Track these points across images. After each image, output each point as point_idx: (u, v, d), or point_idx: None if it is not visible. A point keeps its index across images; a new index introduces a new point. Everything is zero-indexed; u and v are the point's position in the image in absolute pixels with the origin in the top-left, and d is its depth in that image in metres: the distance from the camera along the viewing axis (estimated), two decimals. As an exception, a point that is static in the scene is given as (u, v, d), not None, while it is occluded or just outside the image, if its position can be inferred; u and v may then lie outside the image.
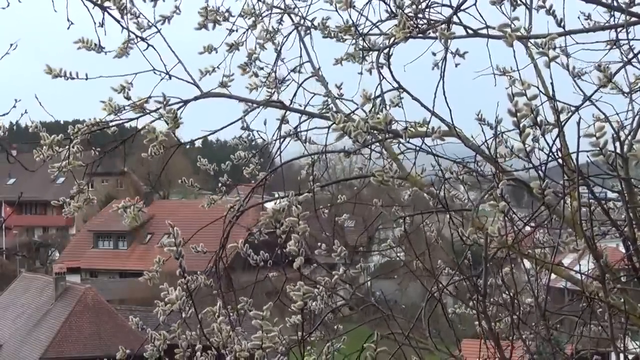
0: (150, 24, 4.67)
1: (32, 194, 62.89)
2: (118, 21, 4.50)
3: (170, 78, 4.52)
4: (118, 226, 57.86)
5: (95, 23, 4.52)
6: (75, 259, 55.36)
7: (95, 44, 4.50)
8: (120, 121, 4.37)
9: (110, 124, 4.36)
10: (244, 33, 5.22)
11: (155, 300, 3.79)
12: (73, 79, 4.44)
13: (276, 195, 5.11)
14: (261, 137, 5.35)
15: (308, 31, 5.18)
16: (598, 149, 3.24)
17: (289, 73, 5.26)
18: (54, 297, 44.50)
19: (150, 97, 4.30)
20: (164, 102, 4.19)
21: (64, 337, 41.55)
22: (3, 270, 59.59)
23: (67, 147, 4.27)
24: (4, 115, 4.62)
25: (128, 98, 4.32)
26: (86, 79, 4.44)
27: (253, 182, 5.25)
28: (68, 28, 4.56)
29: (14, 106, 4.55)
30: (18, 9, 4.91)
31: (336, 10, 4.73)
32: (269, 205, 3.67)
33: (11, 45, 4.67)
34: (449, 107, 3.97)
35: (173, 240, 3.31)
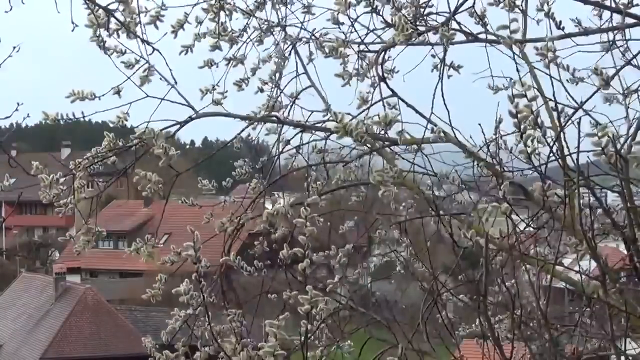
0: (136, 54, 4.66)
1: (32, 194, 62.62)
2: (123, 24, 4.50)
3: (173, 94, 4.54)
4: (118, 226, 57.83)
5: (98, 24, 4.51)
6: (75, 259, 55.23)
7: (89, 93, 4.52)
8: (120, 149, 4.41)
9: (110, 155, 4.40)
10: (238, 48, 5.22)
11: (154, 307, 3.80)
12: (70, 120, 4.51)
13: (278, 199, 5.12)
14: (257, 154, 5.37)
15: (305, 42, 5.19)
16: (600, 148, 3.25)
17: (281, 91, 5.28)
18: (54, 297, 44.48)
19: (148, 124, 4.33)
20: (154, 137, 4.22)
21: (64, 337, 41.53)
22: (3, 270, 59.56)
23: (72, 181, 4.33)
24: (6, 118, 4.64)
25: (124, 127, 4.37)
26: (83, 117, 4.52)
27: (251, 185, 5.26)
28: (72, 30, 4.56)
29: (17, 109, 4.56)
30: (23, 11, 4.92)
31: (338, 27, 4.76)
32: (265, 211, 3.67)
33: (14, 48, 4.67)
34: (448, 112, 3.98)
35: (192, 245, 3.34)
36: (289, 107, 5.17)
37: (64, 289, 44.82)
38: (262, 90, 5.27)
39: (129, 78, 4.59)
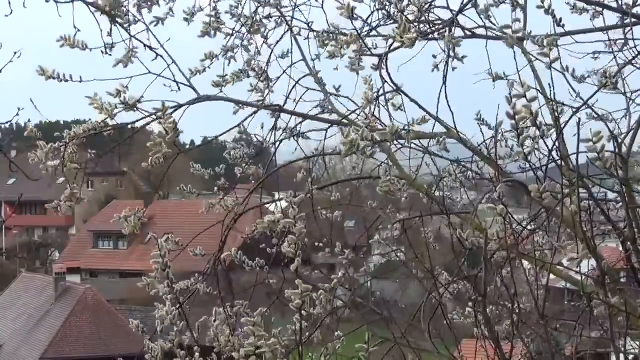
0: (136, 21, 4.68)
1: (32, 194, 62.83)
2: (123, 27, 4.51)
3: (175, 83, 4.54)
4: (118, 226, 57.76)
5: (101, 30, 4.54)
6: (75, 259, 55.28)
7: (81, 42, 4.51)
8: (118, 124, 4.38)
9: (107, 128, 4.36)
10: (232, 35, 5.21)
11: (155, 302, 3.80)
12: (67, 81, 4.43)
13: (276, 196, 5.11)
14: (259, 140, 5.35)
15: (306, 35, 5.18)
16: (596, 153, 3.23)
17: (284, 72, 5.25)
18: (54, 297, 44.47)
19: (142, 97, 4.30)
20: (163, 110, 4.19)
21: (64, 337, 41.52)
22: (3, 270, 59.54)
23: (62, 150, 4.27)
24: (7, 123, 4.64)
25: (124, 102, 4.32)
26: (80, 81, 4.44)
27: (253, 182, 5.25)
28: (74, 35, 4.56)
29: (17, 114, 4.55)
30: (24, 14, 4.92)
31: (322, 8, 4.75)
32: (269, 213, 3.64)
33: (15, 53, 4.66)
34: (451, 110, 3.98)
35: (159, 253, 3.29)
36: (287, 93, 5.15)
37: (64, 289, 44.81)
38: (257, 78, 5.25)
39: (123, 41, 4.59)
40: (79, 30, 4.64)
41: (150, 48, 4.65)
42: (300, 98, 5.11)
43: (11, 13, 4.66)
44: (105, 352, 39.92)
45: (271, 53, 5.29)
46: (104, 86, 4.54)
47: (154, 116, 4.23)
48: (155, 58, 4.64)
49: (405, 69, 4.57)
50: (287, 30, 5.25)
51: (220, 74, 5.13)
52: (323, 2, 4.87)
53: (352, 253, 5.07)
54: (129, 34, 4.64)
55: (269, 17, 5.25)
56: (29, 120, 4.70)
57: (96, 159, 4.76)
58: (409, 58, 4.52)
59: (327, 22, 4.86)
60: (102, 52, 4.68)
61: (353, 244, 6.62)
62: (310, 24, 5.14)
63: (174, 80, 4.58)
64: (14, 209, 63.41)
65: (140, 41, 4.64)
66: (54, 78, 4.42)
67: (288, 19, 5.22)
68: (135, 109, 4.26)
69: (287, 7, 5.25)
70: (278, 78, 5.28)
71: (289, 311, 3.27)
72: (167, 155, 4.25)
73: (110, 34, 4.62)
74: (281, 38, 5.27)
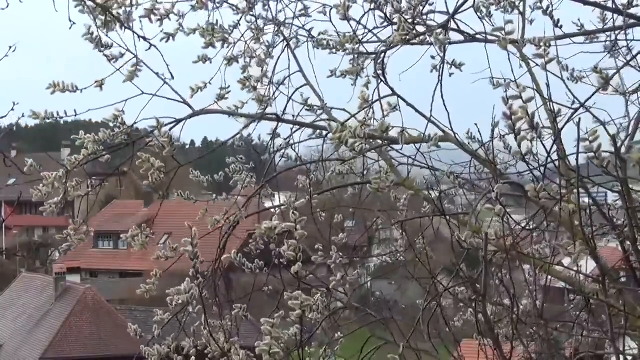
0: (126, 51, 4.65)
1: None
2: (122, 23, 4.50)
3: (169, 91, 4.54)
4: (118, 226, 57.81)
5: (97, 26, 4.52)
6: (75, 259, 55.21)
7: (70, 85, 4.47)
8: (116, 146, 4.39)
9: (108, 149, 4.37)
10: (234, 44, 5.21)
11: (154, 307, 3.82)
12: (61, 117, 4.43)
13: (276, 197, 5.12)
14: (257, 151, 5.36)
15: (303, 42, 5.19)
16: (593, 152, 3.24)
17: (278, 87, 5.27)
18: (54, 297, 44.46)
19: (135, 123, 4.32)
20: (158, 127, 4.19)
21: (64, 337, 41.51)
22: (3, 270, 59.52)
23: (64, 181, 4.27)
24: (3, 117, 4.63)
25: (123, 124, 4.32)
26: (75, 115, 4.45)
27: (253, 186, 5.26)
28: (70, 28, 4.56)
29: (12, 109, 4.55)
30: (22, 10, 4.91)
31: (330, 21, 4.77)
32: (269, 217, 3.66)
33: (10, 47, 4.67)
34: (447, 112, 3.98)
35: (190, 241, 3.33)
36: (284, 105, 5.18)
37: (64, 289, 44.79)
38: (255, 89, 5.26)
39: (117, 70, 4.57)
40: (74, 24, 4.63)
41: (144, 39, 4.62)
42: (298, 114, 5.14)
43: (7, 6, 4.66)
44: (105, 352, 39.95)
45: (272, 76, 5.30)
46: (105, 71, 4.55)
47: (151, 136, 4.25)
48: (149, 48, 4.62)
49: (403, 77, 4.59)
50: (286, 46, 5.26)
51: (219, 79, 5.15)
52: (331, 16, 4.89)
53: (340, 259, 5.08)
54: (123, 27, 4.61)
55: (277, 33, 5.27)
56: (22, 115, 4.68)
57: (101, 182, 4.80)
58: (409, 65, 4.55)
59: (332, 22, 4.87)
60: (98, 50, 4.66)
61: (353, 244, 6.63)
62: (310, 30, 5.16)
63: (170, 99, 4.58)
64: (14, 208, 63.36)
65: (135, 32, 4.61)
66: (48, 119, 4.40)
67: (285, 31, 5.24)
68: (128, 136, 4.27)
69: (289, 17, 5.27)
70: (269, 96, 5.29)
71: (286, 311, 3.29)
72: (166, 168, 4.27)
73: (104, 29, 4.60)
74: (282, 53, 5.29)
